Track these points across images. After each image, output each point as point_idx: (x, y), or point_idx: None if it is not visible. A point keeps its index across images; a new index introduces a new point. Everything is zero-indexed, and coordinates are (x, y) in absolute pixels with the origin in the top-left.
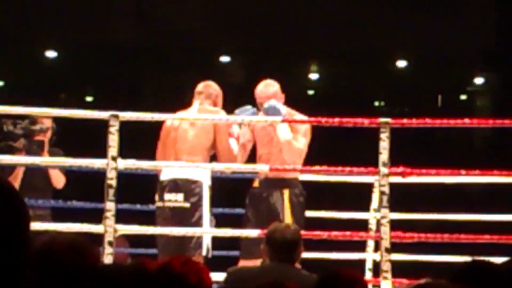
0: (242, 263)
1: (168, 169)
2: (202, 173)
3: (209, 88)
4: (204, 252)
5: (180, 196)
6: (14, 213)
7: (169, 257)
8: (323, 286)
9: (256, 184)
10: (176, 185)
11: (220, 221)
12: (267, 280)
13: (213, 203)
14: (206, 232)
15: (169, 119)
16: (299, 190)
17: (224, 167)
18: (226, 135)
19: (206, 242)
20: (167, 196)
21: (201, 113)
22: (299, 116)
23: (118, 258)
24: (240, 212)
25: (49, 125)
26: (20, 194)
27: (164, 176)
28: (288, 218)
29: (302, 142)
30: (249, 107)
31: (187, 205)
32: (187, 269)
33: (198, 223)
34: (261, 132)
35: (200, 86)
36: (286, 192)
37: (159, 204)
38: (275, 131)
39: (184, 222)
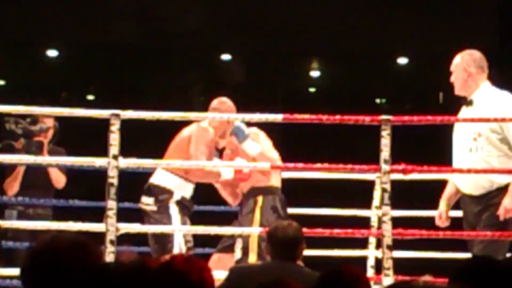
0: (216, 256)
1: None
2: (172, 181)
3: (223, 105)
4: (176, 251)
5: (150, 200)
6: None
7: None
8: (325, 283)
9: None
10: (148, 190)
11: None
12: (269, 278)
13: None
14: (207, 230)
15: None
16: (275, 197)
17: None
18: (199, 145)
19: (178, 241)
20: (143, 198)
21: (191, 128)
22: (256, 131)
23: (127, 257)
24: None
25: (50, 125)
26: (21, 192)
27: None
28: (256, 224)
29: (271, 150)
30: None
31: (154, 208)
32: (189, 266)
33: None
34: (232, 155)
35: (215, 103)
36: (259, 199)
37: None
38: (242, 152)
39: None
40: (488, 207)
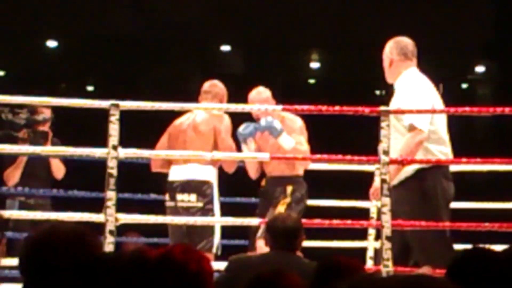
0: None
1: (177, 169)
2: (210, 174)
3: (215, 87)
4: (214, 251)
5: (193, 197)
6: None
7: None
8: (322, 273)
9: (263, 183)
10: (188, 186)
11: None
12: (268, 268)
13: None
14: (210, 221)
15: (176, 122)
16: (301, 186)
17: (224, 156)
18: (227, 137)
19: (217, 242)
20: (179, 196)
21: (207, 117)
22: (294, 118)
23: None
24: (241, 201)
25: (50, 115)
26: (22, 182)
27: (174, 177)
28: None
29: (303, 142)
30: (250, 124)
31: (200, 204)
32: (188, 257)
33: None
34: (266, 144)
35: (207, 86)
36: (289, 188)
37: (170, 204)
38: (277, 143)
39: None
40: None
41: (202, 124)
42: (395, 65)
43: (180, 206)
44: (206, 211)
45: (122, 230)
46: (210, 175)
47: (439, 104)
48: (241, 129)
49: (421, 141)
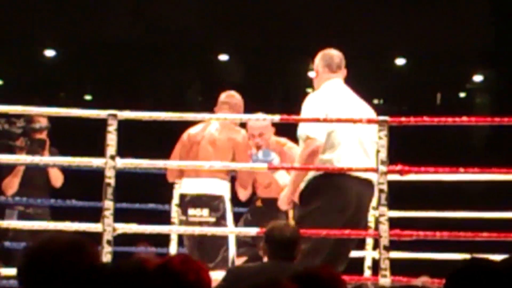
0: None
1: (189, 182)
2: (223, 188)
3: (232, 98)
4: (230, 265)
5: (205, 212)
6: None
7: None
8: (303, 283)
9: (259, 203)
10: (200, 200)
11: None
12: (265, 278)
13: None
14: (207, 231)
15: (191, 132)
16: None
17: (222, 165)
18: (246, 155)
19: (232, 255)
20: (191, 211)
21: (224, 131)
22: (290, 144)
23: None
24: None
25: (46, 124)
26: (20, 191)
27: (185, 190)
28: None
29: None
30: (268, 151)
31: (212, 219)
32: (186, 267)
33: (223, 237)
34: (261, 175)
35: (224, 96)
36: (290, 213)
37: (182, 217)
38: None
39: (209, 237)
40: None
41: (221, 137)
42: (319, 77)
43: (192, 221)
44: (218, 226)
45: (133, 240)
46: (223, 189)
47: (340, 112)
48: (262, 156)
49: (315, 150)
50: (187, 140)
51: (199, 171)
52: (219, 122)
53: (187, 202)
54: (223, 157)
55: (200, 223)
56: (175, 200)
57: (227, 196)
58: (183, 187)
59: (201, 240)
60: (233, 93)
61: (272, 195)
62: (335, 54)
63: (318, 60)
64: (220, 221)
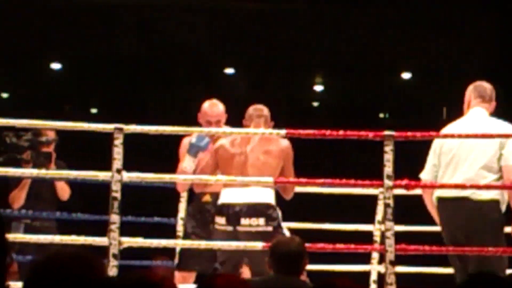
0: (177, 274)
1: (235, 192)
2: (272, 196)
3: (264, 111)
4: None
5: (261, 221)
6: None
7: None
8: None
9: (206, 198)
10: (254, 210)
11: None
12: None
13: None
14: (199, 244)
15: (225, 142)
16: None
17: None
18: (292, 164)
19: None
20: (245, 221)
21: (273, 140)
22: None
23: (162, 272)
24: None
25: (53, 137)
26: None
27: (230, 200)
28: None
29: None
30: (203, 136)
31: (270, 229)
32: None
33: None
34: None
35: (255, 110)
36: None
37: (227, 228)
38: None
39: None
40: None
41: (273, 148)
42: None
43: (246, 230)
44: (277, 235)
45: (151, 253)
46: (272, 197)
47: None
48: (195, 140)
49: None
50: (223, 152)
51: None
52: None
53: (238, 211)
54: (275, 164)
55: (257, 233)
56: (181, 213)
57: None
58: (226, 196)
59: (250, 252)
60: (260, 106)
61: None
62: (488, 86)
63: (471, 91)
64: (278, 230)
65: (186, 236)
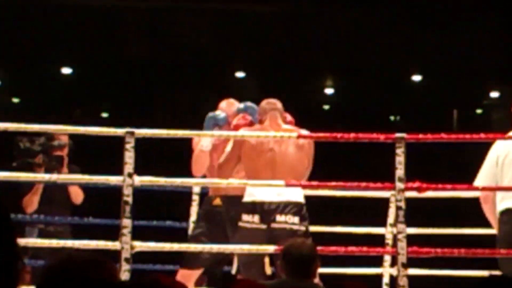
0: (181, 272)
1: (268, 189)
2: (302, 195)
3: (278, 104)
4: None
5: (296, 219)
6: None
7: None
8: None
9: (217, 201)
10: (288, 208)
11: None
12: None
13: None
14: (201, 247)
15: (253, 137)
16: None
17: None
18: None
19: None
20: (280, 218)
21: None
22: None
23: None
24: None
25: (66, 141)
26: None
27: (264, 197)
28: None
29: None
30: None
31: (303, 228)
32: None
33: None
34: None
35: (268, 103)
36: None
37: (260, 226)
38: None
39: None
40: None
41: (304, 142)
42: None
43: (281, 227)
44: (307, 236)
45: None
46: (302, 196)
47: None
48: (212, 114)
49: None
50: (250, 150)
51: (277, 176)
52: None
53: (273, 209)
54: (304, 158)
55: (292, 231)
56: (193, 217)
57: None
58: (256, 194)
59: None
60: (272, 99)
61: (235, 192)
62: None
63: None
64: (307, 232)
65: (192, 238)
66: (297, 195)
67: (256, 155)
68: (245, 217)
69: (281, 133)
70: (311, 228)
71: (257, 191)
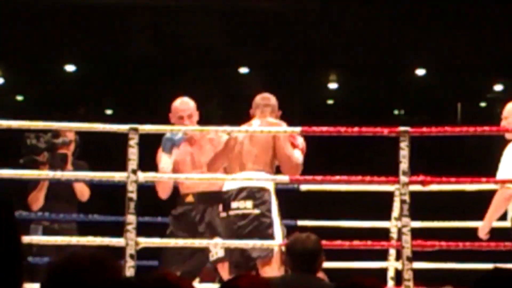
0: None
1: (233, 181)
2: (267, 182)
3: (271, 100)
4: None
5: (248, 203)
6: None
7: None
8: None
9: (189, 198)
10: (243, 193)
11: None
12: None
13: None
14: (214, 243)
15: (234, 133)
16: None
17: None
18: (286, 144)
19: (279, 234)
20: (234, 204)
21: (264, 126)
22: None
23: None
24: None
25: (72, 138)
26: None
27: (228, 186)
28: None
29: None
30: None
31: (257, 211)
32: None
33: (268, 231)
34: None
35: (262, 98)
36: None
37: (223, 214)
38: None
39: (253, 231)
40: None
41: (264, 132)
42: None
43: (235, 214)
44: (263, 219)
45: None
46: (268, 182)
47: None
48: (169, 135)
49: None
50: (232, 142)
51: (244, 166)
52: (260, 121)
53: (229, 196)
54: (263, 151)
55: (244, 216)
56: None
57: (271, 189)
58: (226, 184)
59: (244, 235)
60: (267, 94)
61: (208, 188)
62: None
63: None
64: (265, 214)
65: (169, 236)
66: (258, 180)
67: (230, 151)
68: (219, 208)
69: (285, 127)
70: (316, 222)
71: (227, 183)
